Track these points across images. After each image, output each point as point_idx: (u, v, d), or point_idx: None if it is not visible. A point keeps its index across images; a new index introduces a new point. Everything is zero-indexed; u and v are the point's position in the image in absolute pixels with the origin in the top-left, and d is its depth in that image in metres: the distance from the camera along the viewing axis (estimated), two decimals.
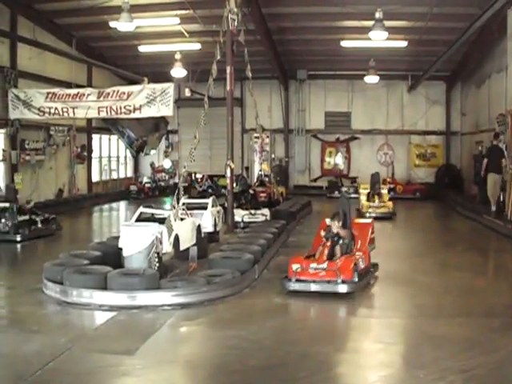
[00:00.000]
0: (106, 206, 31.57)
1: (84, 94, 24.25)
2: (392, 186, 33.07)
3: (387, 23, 22.50)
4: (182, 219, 16.00)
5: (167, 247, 14.28)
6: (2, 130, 25.76)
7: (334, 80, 36.82)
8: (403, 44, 28.90)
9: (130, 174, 39.68)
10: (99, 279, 12.02)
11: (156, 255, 13.31)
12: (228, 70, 20.07)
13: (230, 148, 20.55)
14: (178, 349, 9.84)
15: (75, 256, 13.91)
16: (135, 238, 13.43)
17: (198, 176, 34.87)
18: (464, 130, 35.58)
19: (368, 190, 26.47)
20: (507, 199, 22.13)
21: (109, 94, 23.76)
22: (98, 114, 24.38)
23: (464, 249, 18.71)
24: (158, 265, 13.28)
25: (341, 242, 13.30)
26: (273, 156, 37.09)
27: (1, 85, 25.14)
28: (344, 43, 29.51)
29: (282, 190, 29.14)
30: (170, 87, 23.49)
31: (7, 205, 19.99)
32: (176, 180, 35.32)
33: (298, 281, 12.38)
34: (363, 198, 26.26)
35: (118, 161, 38.43)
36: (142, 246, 13.13)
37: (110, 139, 36.74)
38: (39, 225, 20.75)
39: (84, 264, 13.05)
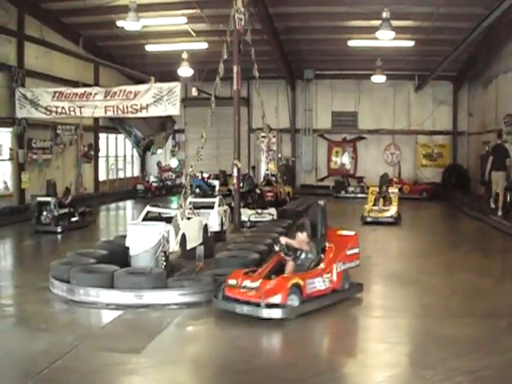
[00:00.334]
0: (112, 205, 31.62)
1: (91, 94, 24.25)
2: (399, 186, 33.05)
3: (394, 23, 22.50)
4: (188, 218, 16.00)
5: (174, 246, 14.28)
6: (9, 129, 25.78)
7: (340, 80, 36.81)
8: (410, 44, 28.86)
9: (136, 173, 39.76)
10: (106, 278, 12.04)
11: (163, 254, 13.33)
12: (235, 70, 20.06)
13: (236, 147, 20.55)
14: (184, 348, 9.86)
15: (82, 255, 13.95)
16: (142, 236, 13.46)
17: (205, 175, 34.84)
18: (471, 130, 35.51)
19: (375, 192, 24.90)
20: None
21: (116, 93, 23.76)
22: (105, 113, 24.39)
23: (470, 249, 18.67)
24: (164, 264, 13.30)
25: (303, 256, 11.81)
26: (279, 155, 37.08)
27: (8, 84, 25.17)
28: (351, 43, 29.49)
29: (288, 189, 29.13)
30: (176, 86, 23.48)
31: (48, 199, 21.97)
32: (181, 179, 35.30)
33: (225, 298, 11.05)
34: (369, 201, 24.69)
35: (124, 160, 38.51)
36: (149, 244, 13.15)
37: (116, 138, 36.82)
38: (77, 217, 22.83)
39: (91, 263, 13.09)
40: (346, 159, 37.55)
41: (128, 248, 13.64)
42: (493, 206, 23.75)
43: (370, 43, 28.56)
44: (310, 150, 37.77)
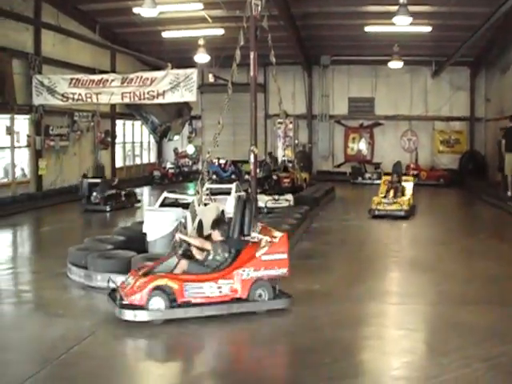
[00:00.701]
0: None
1: (108, 80, 24.27)
2: (416, 172, 32.95)
3: (411, 8, 22.30)
4: (205, 204, 16.02)
5: (191, 232, 14.31)
6: (27, 116, 25.88)
7: (357, 65, 36.65)
8: (427, 29, 28.66)
9: (153, 159, 39.87)
10: (123, 264, 12.09)
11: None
12: (251, 56, 19.98)
13: (253, 133, 20.52)
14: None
15: (99, 241, 14.01)
16: (159, 222, 13.52)
17: (222, 161, 34.87)
18: (488, 116, 35.28)
19: (387, 182, 23.29)
20: None
21: (132, 79, 23.77)
22: (122, 99, 24.41)
23: (488, 236, 18.60)
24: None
25: (210, 257, 10.77)
26: (296, 142, 37.04)
27: (25, 71, 25.21)
28: (368, 28, 29.31)
29: (305, 175, 29.09)
30: (193, 73, 23.46)
31: (98, 180, 24.68)
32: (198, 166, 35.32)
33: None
34: (380, 191, 23.01)
35: (141, 146, 38.62)
36: (166, 230, 13.19)
37: (133, 125, 36.91)
38: (123, 198, 25.03)
39: (108, 249, 13.16)
40: (362, 145, 37.48)
41: (145, 234, 13.70)
42: (510, 193, 23.60)
43: (386, 29, 28.35)
44: (326, 136, 37.71)
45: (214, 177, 28.44)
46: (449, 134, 36.78)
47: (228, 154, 35.60)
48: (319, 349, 8.86)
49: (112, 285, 10.45)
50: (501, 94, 32.02)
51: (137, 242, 13.81)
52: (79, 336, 9.25)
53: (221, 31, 29.53)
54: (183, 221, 13.68)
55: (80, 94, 24.28)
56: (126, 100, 24.45)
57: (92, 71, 28.25)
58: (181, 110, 34.79)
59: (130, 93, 23.85)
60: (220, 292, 10.26)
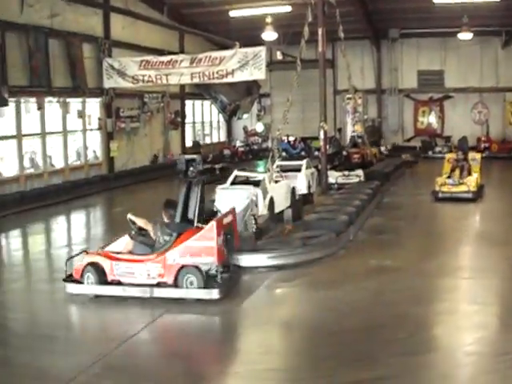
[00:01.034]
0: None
1: (177, 61, 24.48)
2: (486, 144, 32.47)
3: None
4: (276, 182, 16.13)
5: (262, 210, 14.46)
6: (98, 100, 26.36)
7: (426, 38, 36.13)
8: None
9: (223, 138, 40.08)
10: None
11: (252, 218, 13.52)
12: (320, 32, 20.00)
13: (323, 110, 20.55)
14: (274, 310, 10.06)
15: None
16: (231, 200, 13.66)
17: (291, 139, 34.89)
18: None
19: (452, 160, 20.96)
20: None
21: (201, 59, 23.94)
22: (191, 79, 24.60)
23: None
24: (254, 227, 13.49)
25: (158, 238, 10.72)
26: (365, 117, 36.80)
27: (96, 55, 25.68)
28: (436, 0, 28.91)
29: (375, 150, 28.95)
30: (262, 51, 23.49)
31: (194, 156, 27.85)
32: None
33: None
34: (444, 171, 20.76)
35: (210, 126, 38.85)
36: (238, 208, 13.34)
37: (202, 105, 37.15)
38: (217, 172, 27.44)
39: None
40: (432, 119, 37.05)
41: (217, 212, 13.88)
42: None
43: None
44: (395, 110, 37.39)
45: (284, 154, 28.49)
46: None
47: (297, 130, 35.61)
48: (391, 324, 8.91)
49: None
50: None
51: (208, 220, 13.98)
52: (152, 315, 9.64)
53: (288, 8, 29.43)
54: (254, 198, 13.83)
55: (150, 76, 24.57)
56: (196, 80, 24.63)
57: (161, 53, 28.47)
58: (250, 89, 34.85)
59: (199, 73, 24.03)
60: (148, 275, 10.34)
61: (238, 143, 37.59)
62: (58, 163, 24.10)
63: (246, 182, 16.19)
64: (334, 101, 37.60)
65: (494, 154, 31.74)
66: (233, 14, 30.50)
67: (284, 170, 18.12)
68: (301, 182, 18.50)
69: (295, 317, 9.68)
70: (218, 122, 39.50)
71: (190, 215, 10.76)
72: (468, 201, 19.18)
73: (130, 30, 27.63)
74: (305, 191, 18.63)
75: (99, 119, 26.49)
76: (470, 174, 20.18)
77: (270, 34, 29.47)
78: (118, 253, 10.71)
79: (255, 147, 38.17)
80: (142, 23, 27.41)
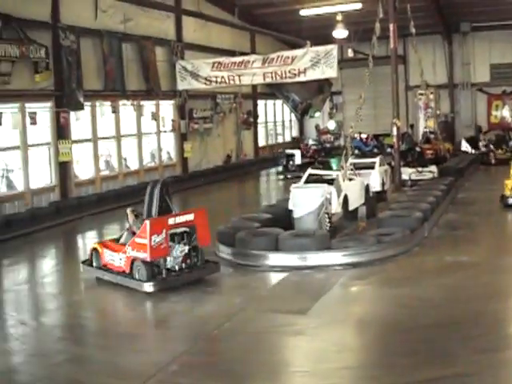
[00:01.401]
0: (272, 170, 31.90)
1: (249, 61, 24.69)
2: None
3: None
4: (350, 179, 16.10)
5: (336, 207, 14.45)
6: (171, 102, 26.68)
7: (498, 31, 35.50)
8: None
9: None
10: (271, 241, 12.37)
11: (326, 216, 13.53)
12: (391, 28, 19.90)
13: (395, 106, 20.44)
14: (349, 308, 10.07)
15: (247, 219, 14.35)
16: (305, 199, 13.72)
17: (363, 136, 34.72)
18: None
19: None
20: None
21: (273, 59, 24.09)
22: (264, 79, 24.78)
23: None
24: (329, 225, 13.50)
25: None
26: (438, 112, 36.36)
27: (168, 58, 26.03)
28: None
29: (448, 146, 28.60)
30: (333, 49, 23.50)
31: (294, 151, 29.36)
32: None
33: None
34: None
35: (283, 125, 38.93)
36: (313, 207, 13.39)
37: (274, 104, 37.27)
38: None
39: (255, 227, 13.45)
40: (506, 112, 36.36)
41: (291, 211, 13.93)
42: None
43: None
44: (468, 104, 36.83)
45: (357, 151, 28.38)
46: None
47: (369, 127, 35.40)
48: (469, 321, 8.83)
49: None
50: None
51: (283, 218, 14.07)
52: (229, 312, 9.64)
53: (358, 5, 29.30)
54: (328, 196, 13.83)
55: (223, 77, 24.85)
56: (268, 80, 24.80)
57: (232, 54, 28.70)
58: (321, 87, 34.79)
59: (271, 72, 24.19)
60: (120, 263, 11.58)
61: (311, 141, 37.54)
62: (133, 165, 24.50)
63: (320, 180, 16.18)
64: (406, 97, 37.23)
65: None
66: (303, 12, 30.48)
67: (357, 167, 18.06)
68: (374, 179, 18.42)
69: (370, 314, 9.66)
70: (290, 121, 39.56)
71: (153, 212, 11.62)
72: None
73: (201, 32, 27.93)
74: (378, 188, 18.55)
75: (173, 121, 26.80)
76: None
77: (340, 32, 29.45)
78: (116, 241, 12.09)
79: (327, 145, 38.04)
80: (213, 25, 27.62)
